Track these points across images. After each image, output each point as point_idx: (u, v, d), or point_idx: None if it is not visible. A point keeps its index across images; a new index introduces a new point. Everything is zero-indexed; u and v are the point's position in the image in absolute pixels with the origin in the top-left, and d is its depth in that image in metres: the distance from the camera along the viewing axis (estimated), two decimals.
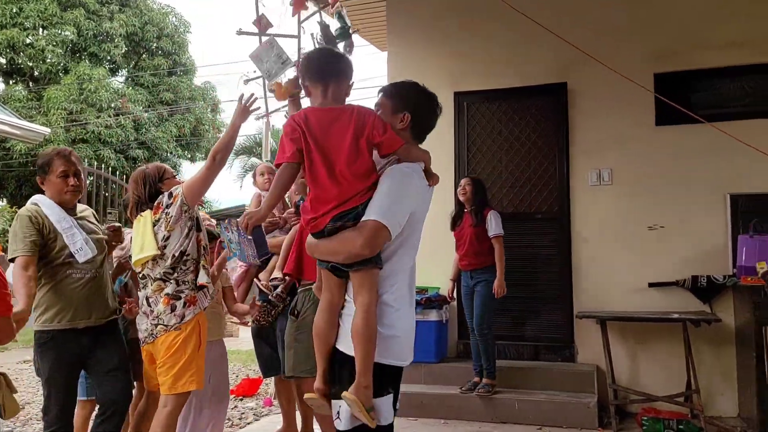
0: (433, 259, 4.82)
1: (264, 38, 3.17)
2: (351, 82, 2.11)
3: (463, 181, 4.79)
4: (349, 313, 1.91)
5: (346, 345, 1.89)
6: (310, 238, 2.00)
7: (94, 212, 3.25)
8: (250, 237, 2.17)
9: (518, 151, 5.30)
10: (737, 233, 4.56)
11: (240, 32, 3.35)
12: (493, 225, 4.57)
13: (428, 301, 4.97)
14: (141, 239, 2.84)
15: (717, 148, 4.63)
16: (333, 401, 1.93)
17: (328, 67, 2.06)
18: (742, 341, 4.39)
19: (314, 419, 3.54)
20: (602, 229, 5.01)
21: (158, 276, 2.82)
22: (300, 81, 2.27)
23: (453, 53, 5.48)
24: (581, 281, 5.02)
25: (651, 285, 4.82)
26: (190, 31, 19.58)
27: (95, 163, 13.48)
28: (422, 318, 4.79)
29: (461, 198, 4.72)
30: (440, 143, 5.42)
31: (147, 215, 2.87)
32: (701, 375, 4.48)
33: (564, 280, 5.08)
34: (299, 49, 3.28)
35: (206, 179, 2.83)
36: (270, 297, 3.46)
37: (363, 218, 1.85)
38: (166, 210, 2.82)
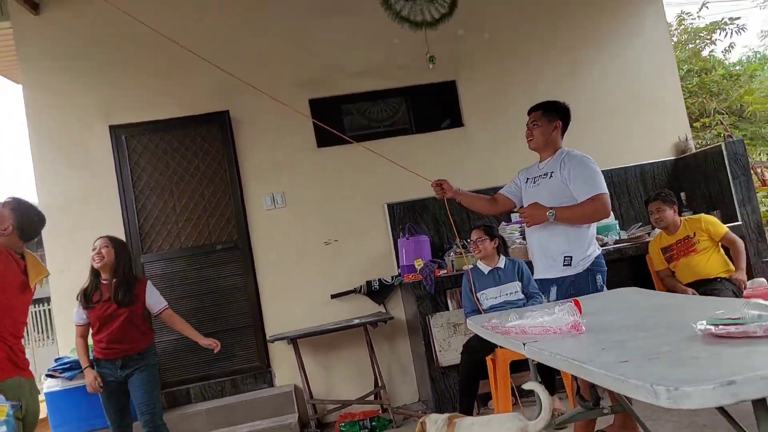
0: None
1: None
2: None
3: (97, 242, 3.66)
4: None
5: None
6: None
7: None
8: None
9: (189, 182, 5.12)
10: (397, 237, 5.12)
11: None
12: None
13: None
14: None
15: (371, 164, 5.13)
16: None
17: None
18: (412, 333, 4.94)
19: None
20: (283, 250, 5.14)
21: None
22: None
23: (104, 84, 5.04)
24: (269, 305, 5.07)
25: (333, 296, 5.11)
26: None
27: None
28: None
29: (96, 264, 3.61)
30: (101, 184, 4.95)
31: None
32: (384, 371, 4.92)
33: (253, 307, 5.06)
34: None
35: None
36: None
37: None
38: None
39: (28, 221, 2.85)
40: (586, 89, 5.63)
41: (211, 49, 5.12)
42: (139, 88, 5.07)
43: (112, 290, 3.58)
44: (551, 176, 3.28)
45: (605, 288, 3.24)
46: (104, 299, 3.58)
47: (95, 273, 3.65)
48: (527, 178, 3.45)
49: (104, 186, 4.95)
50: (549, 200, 3.22)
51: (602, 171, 5.30)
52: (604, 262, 3.30)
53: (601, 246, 4.76)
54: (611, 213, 3.72)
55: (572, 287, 3.17)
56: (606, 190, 3.20)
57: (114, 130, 5.01)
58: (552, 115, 3.35)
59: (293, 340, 4.69)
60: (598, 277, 3.23)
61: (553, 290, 3.23)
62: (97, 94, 5.03)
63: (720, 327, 1.60)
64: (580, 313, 2.18)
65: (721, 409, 2.03)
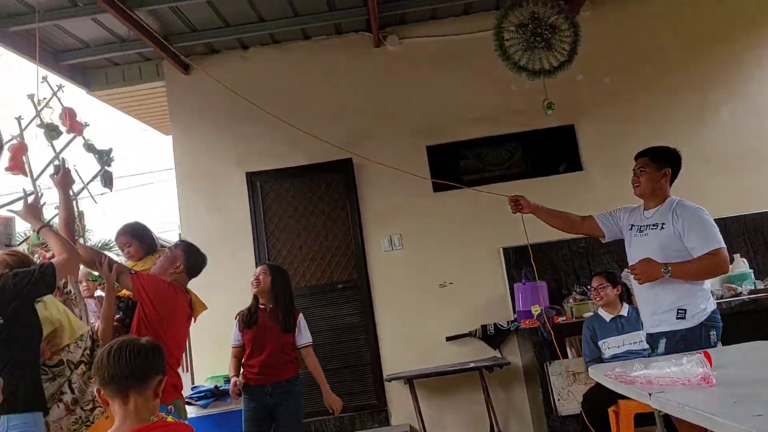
0: None
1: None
2: None
3: (258, 269, 3.99)
4: None
5: None
6: None
7: None
8: None
9: (315, 224, 5.46)
10: (513, 282, 5.11)
11: None
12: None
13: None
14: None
15: (486, 208, 5.21)
16: None
17: None
18: (529, 380, 4.87)
19: None
20: (399, 291, 5.30)
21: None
22: None
23: (240, 135, 5.54)
24: (386, 344, 5.21)
25: (448, 339, 5.17)
26: None
27: None
28: (225, 409, 4.38)
29: (253, 289, 3.89)
30: (237, 225, 5.39)
31: None
32: (500, 417, 4.86)
33: (371, 346, 5.23)
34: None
35: None
36: None
37: None
38: None
39: (195, 260, 3.27)
40: (716, 132, 5.41)
41: (336, 104, 5.54)
42: (273, 139, 5.51)
43: (273, 315, 3.80)
44: (662, 227, 3.15)
45: (720, 344, 3.06)
46: (260, 323, 3.81)
47: (256, 297, 3.90)
48: (632, 225, 3.32)
49: (239, 228, 5.38)
50: (659, 253, 3.10)
51: (735, 217, 5.16)
52: (719, 317, 3.12)
53: (734, 295, 4.51)
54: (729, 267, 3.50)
55: (683, 341, 3.01)
56: (723, 245, 3.05)
57: (250, 176, 5.48)
58: (661, 163, 3.25)
59: (410, 380, 4.78)
60: (713, 333, 3.06)
61: (662, 343, 3.07)
62: (237, 145, 5.54)
63: None
64: (711, 365, 2.12)
65: None
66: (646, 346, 3.89)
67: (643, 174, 3.27)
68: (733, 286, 4.61)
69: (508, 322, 5.06)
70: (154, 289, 2.97)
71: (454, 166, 5.52)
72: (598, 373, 2.70)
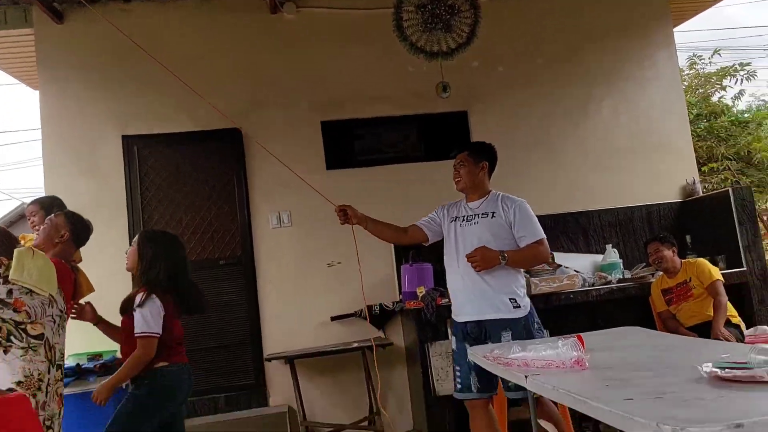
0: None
1: None
2: None
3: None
4: None
5: None
6: None
7: None
8: None
9: (197, 196, 5.15)
10: (401, 263, 5.11)
11: None
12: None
13: (104, 367, 4.41)
14: None
15: (379, 188, 5.19)
16: None
17: None
18: (411, 360, 4.90)
19: None
20: (285, 270, 5.14)
21: None
22: None
23: (118, 96, 5.10)
24: (268, 323, 5.05)
25: (333, 318, 5.09)
26: None
27: None
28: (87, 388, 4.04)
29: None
30: (110, 193, 4.99)
31: None
32: (382, 397, 4.86)
33: (252, 325, 5.04)
34: None
35: None
36: None
37: None
38: None
39: (81, 227, 3.03)
40: (598, 127, 5.67)
41: (227, 69, 5.24)
42: (155, 102, 5.13)
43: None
44: (493, 216, 3.29)
45: (546, 333, 3.30)
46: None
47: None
48: (456, 217, 3.42)
49: (113, 196, 4.97)
50: (493, 240, 3.24)
51: (607, 210, 5.48)
52: None
53: (605, 283, 4.77)
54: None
55: (524, 330, 3.18)
56: (545, 235, 3.29)
57: (127, 140, 5.06)
58: (478, 156, 3.41)
59: (290, 360, 4.66)
60: (537, 320, 3.30)
61: (507, 334, 3.16)
62: (113, 105, 5.09)
63: (726, 370, 1.60)
64: (584, 348, 2.17)
65: None
66: None
67: (462, 167, 3.41)
68: (604, 274, 4.88)
69: (393, 303, 5.07)
70: None
71: (349, 144, 5.42)
72: (477, 355, 2.72)
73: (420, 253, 5.11)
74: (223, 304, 5.04)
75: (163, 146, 5.15)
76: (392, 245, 5.16)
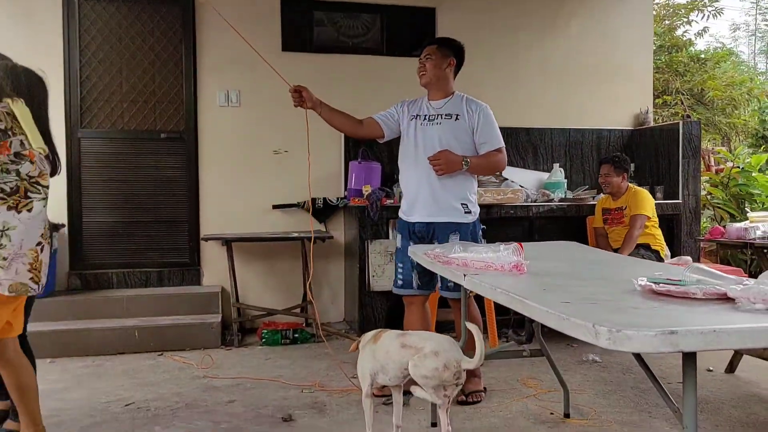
0: None
1: None
2: None
3: None
4: None
5: None
6: None
7: None
8: None
9: (141, 62, 4.82)
10: (349, 159, 5.02)
11: None
12: None
13: None
14: None
15: (336, 78, 5.00)
16: None
17: None
18: (349, 256, 4.94)
19: None
20: (229, 151, 4.97)
21: None
22: None
23: None
24: (207, 203, 4.94)
25: (275, 207, 5.02)
26: None
27: None
28: None
29: None
30: (45, 47, 4.60)
31: None
32: (315, 288, 4.92)
33: (190, 203, 4.92)
34: None
35: None
36: None
37: None
38: None
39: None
40: (563, 44, 5.57)
41: None
42: None
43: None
44: (457, 119, 3.20)
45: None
46: None
47: None
48: (416, 115, 3.28)
49: (48, 49, 4.60)
50: (455, 145, 3.16)
51: (560, 129, 5.49)
52: None
53: (547, 201, 4.85)
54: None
55: (471, 235, 3.21)
56: (504, 144, 3.28)
57: None
58: (446, 51, 3.25)
59: (228, 243, 4.60)
60: (481, 228, 3.36)
61: (455, 237, 3.16)
62: None
63: (661, 285, 1.63)
64: (522, 255, 2.19)
65: (639, 358, 2.10)
66: None
67: (429, 61, 3.23)
68: (548, 192, 4.95)
69: (337, 198, 5.02)
70: None
71: (308, 27, 5.13)
72: (418, 253, 2.73)
73: (372, 150, 5.03)
74: (163, 178, 4.87)
75: (107, 2, 4.74)
76: (342, 140, 5.05)
